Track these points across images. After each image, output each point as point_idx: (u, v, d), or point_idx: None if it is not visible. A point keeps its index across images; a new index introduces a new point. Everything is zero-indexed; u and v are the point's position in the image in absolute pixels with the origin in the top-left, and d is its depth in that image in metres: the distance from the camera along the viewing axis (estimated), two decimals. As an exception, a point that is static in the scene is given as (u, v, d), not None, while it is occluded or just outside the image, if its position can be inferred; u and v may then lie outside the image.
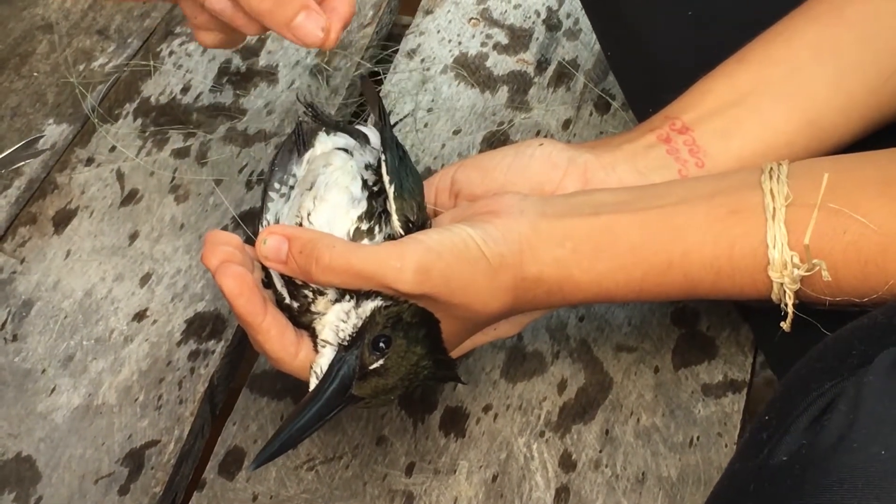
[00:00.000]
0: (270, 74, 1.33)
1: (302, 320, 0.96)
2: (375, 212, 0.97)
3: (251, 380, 1.10)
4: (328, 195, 0.97)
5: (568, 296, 0.96)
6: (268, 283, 0.98)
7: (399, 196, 0.97)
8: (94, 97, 1.30)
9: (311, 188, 0.99)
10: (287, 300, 0.96)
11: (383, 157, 0.99)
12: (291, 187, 1.02)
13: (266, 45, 1.35)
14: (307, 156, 1.03)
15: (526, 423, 1.07)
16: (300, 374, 0.95)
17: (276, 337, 0.94)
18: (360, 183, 0.98)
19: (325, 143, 1.03)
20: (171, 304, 1.13)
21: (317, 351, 0.95)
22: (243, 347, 1.13)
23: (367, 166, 1.00)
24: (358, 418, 1.07)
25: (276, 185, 1.03)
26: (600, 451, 1.05)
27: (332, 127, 1.04)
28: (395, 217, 0.97)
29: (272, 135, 1.26)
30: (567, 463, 1.04)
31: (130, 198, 1.21)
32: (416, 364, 0.93)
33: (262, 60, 1.34)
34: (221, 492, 1.03)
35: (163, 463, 1.04)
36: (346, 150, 1.02)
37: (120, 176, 1.23)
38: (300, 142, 1.04)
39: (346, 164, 1.00)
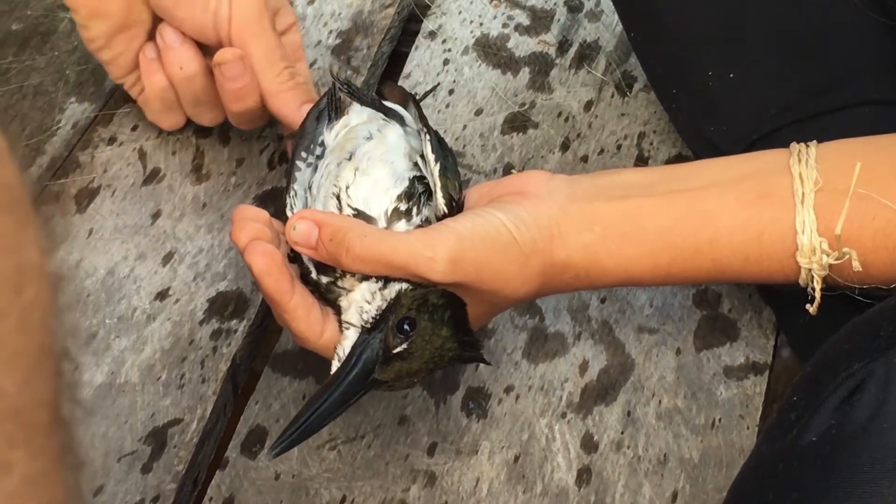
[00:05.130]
0: (292, 54, 1.33)
1: (328, 296, 0.95)
2: (416, 193, 0.96)
3: (273, 359, 1.10)
4: (372, 170, 0.97)
5: (595, 280, 0.96)
6: (293, 257, 0.97)
7: (443, 174, 0.97)
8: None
9: (350, 158, 0.98)
10: (314, 274, 0.96)
11: (427, 137, 0.99)
12: (318, 157, 1.02)
13: (287, 25, 1.35)
14: (340, 123, 1.03)
15: (548, 404, 1.07)
16: (325, 352, 0.95)
17: (302, 316, 0.94)
18: (406, 161, 0.98)
19: (361, 113, 1.03)
20: (194, 283, 1.13)
21: (342, 331, 0.94)
22: (266, 327, 1.13)
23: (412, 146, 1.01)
24: (380, 398, 1.07)
25: (304, 154, 1.02)
26: (622, 433, 1.05)
27: (368, 105, 1.03)
28: (440, 195, 0.96)
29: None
30: (589, 444, 1.04)
31: (153, 177, 1.22)
32: (440, 346, 0.92)
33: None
34: (244, 471, 1.03)
35: (185, 441, 1.04)
36: (402, 121, 1.01)
37: (142, 155, 1.23)
38: (332, 107, 1.03)
39: (399, 140, 0.99)
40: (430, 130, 1.01)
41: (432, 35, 1.36)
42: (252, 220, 0.96)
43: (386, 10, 1.36)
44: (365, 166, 0.97)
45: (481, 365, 1.08)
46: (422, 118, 1.04)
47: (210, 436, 1.06)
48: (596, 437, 1.05)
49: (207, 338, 1.10)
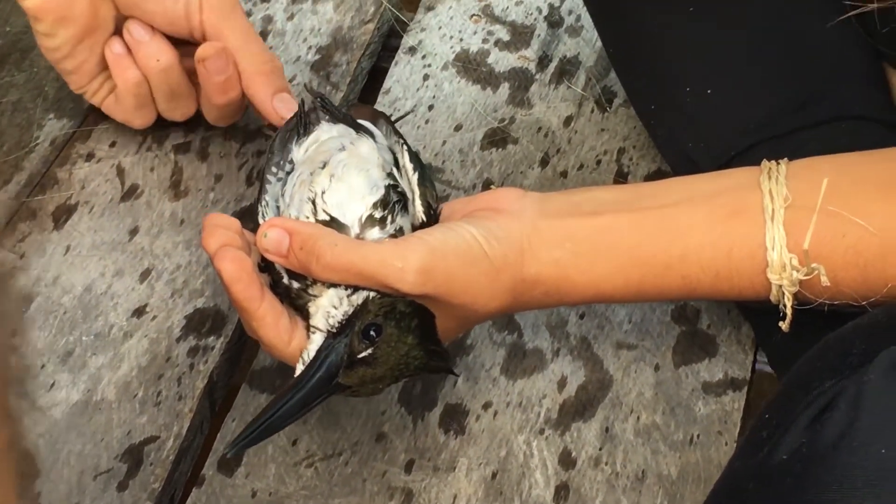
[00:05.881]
0: (271, 70, 1.32)
1: (298, 302, 0.95)
2: (391, 201, 0.96)
3: (251, 376, 1.09)
4: (347, 176, 0.97)
5: (565, 297, 0.96)
6: (264, 267, 0.97)
7: (421, 183, 0.97)
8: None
9: (324, 167, 0.98)
10: (286, 280, 0.95)
11: (404, 147, 0.99)
12: (288, 172, 1.02)
13: (267, 40, 1.35)
14: (309, 139, 1.03)
15: (526, 421, 1.07)
16: (293, 361, 0.94)
17: (271, 323, 0.94)
18: (380, 171, 0.98)
19: (331, 130, 1.03)
20: (171, 300, 1.13)
21: (309, 337, 0.94)
22: (243, 344, 1.13)
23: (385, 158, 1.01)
24: (357, 415, 1.06)
25: (274, 170, 1.02)
26: (600, 449, 1.05)
27: (340, 120, 1.03)
28: (419, 202, 0.97)
29: (273, 131, 1.26)
30: (567, 460, 1.04)
31: (130, 193, 1.21)
32: (406, 354, 0.92)
33: (264, 56, 1.34)
34: (220, 488, 1.03)
35: (162, 459, 1.03)
36: (372, 136, 1.02)
37: (120, 171, 1.23)
38: (301, 124, 1.04)
39: (372, 152, 0.99)
40: (405, 141, 1.01)
41: (412, 51, 1.36)
42: (223, 228, 0.96)
43: (366, 26, 1.36)
44: (340, 173, 0.97)
45: (459, 381, 1.08)
46: (395, 132, 1.04)
47: (186, 453, 1.06)
48: (574, 454, 1.05)
49: (184, 355, 1.10)
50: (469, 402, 1.08)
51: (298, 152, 1.03)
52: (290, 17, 1.37)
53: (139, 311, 1.12)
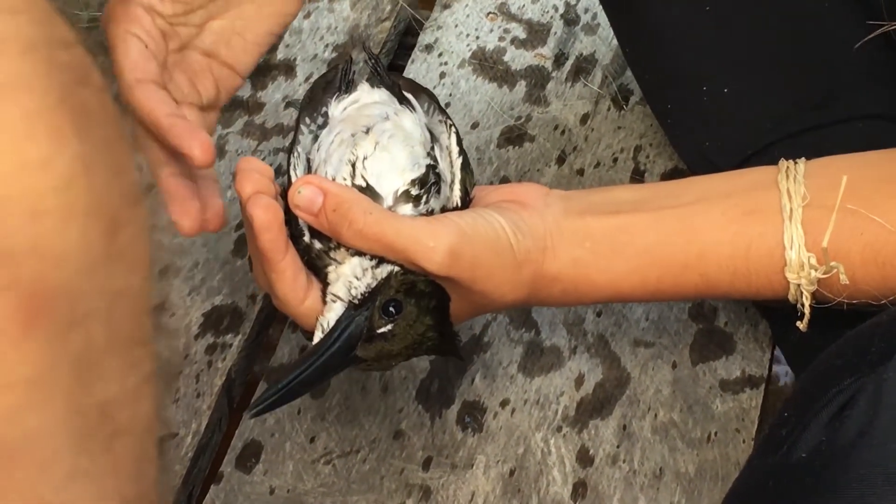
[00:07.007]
0: (288, 68, 1.33)
1: (317, 262, 0.94)
2: (429, 182, 0.95)
3: (268, 373, 1.10)
4: (393, 147, 0.95)
5: (583, 295, 0.96)
6: (286, 218, 0.95)
7: (463, 168, 0.97)
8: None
9: (367, 132, 0.96)
10: (307, 238, 0.94)
11: (453, 129, 0.99)
12: (320, 126, 1.00)
13: (284, 38, 1.35)
14: (349, 98, 1.01)
15: (543, 418, 1.07)
16: (304, 320, 0.93)
17: (290, 278, 0.92)
18: (423, 147, 0.97)
19: (371, 94, 1.01)
20: (189, 298, 1.13)
21: (324, 301, 0.94)
22: (260, 341, 1.13)
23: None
24: (375, 412, 1.07)
25: (307, 121, 1.00)
26: (618, 447, 1.05)
27: (387, 87, 1.02)
28: (457, 187, 0.96)
29: (290, 129, 1.26)
30: (584, 458, 1.04)
31: (148, 190, 1.21)
32: (422, 334, 0.92)
33: (280, 54, 1.34)
34: (238, 485, 1.03)
35: (180, 456, 1.04)
36: (413, 110, 1.00)
37: (137, 167, 1.23)
38: (343, 80, 1.02)
39: (415, 127, 0.98)
40: (454, 123, 1.00)
41: (429, 48, 1.36)
42: (258, 173, 0.94)
43: (382, 24, 1.37)
44: (385, 143, 0.96)
45: (477, 378, 1.08)
46: (442, 110, 1.03)
47: (205, 450, 1.06)
48: (591, 451, 1.05)
49: (202, 352, 1.10)
50: (487, 400, 1.08)
51: (336, 108, 1.00)
52: (307, 16, 1.37)
53: (157, 308, 1.12)
